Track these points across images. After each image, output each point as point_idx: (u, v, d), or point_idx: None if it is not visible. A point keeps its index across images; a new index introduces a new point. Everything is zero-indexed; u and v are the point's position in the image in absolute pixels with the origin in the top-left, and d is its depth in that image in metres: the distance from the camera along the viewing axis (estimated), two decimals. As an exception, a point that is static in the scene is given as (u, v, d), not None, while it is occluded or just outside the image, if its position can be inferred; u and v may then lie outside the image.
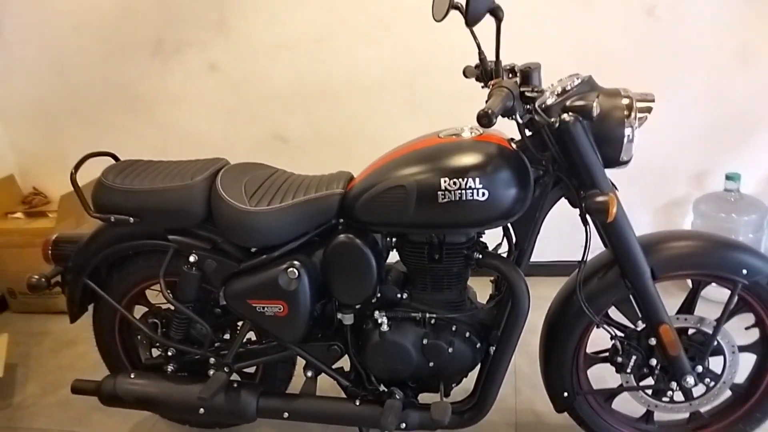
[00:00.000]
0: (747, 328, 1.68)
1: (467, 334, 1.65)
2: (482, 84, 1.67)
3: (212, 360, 1.76)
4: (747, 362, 1.71)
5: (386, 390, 1.70)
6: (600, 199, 1.35)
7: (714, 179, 2.58)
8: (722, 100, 2.52)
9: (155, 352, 1.90)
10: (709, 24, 2.43)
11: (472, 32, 1.46)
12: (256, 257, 1.65)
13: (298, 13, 2.63)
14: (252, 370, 1.90)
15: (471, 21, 1.33)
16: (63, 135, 2.99)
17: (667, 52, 2.48)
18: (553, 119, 1.40)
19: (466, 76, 1.75)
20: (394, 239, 1.65)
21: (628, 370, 1.66)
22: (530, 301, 1.58)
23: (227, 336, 1.89)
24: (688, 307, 1.67)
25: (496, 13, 1.45)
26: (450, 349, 1.62)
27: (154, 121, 2.91)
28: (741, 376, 1.71)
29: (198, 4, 2.67)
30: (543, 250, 1.99)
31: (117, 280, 1.84)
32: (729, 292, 1.58)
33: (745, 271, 1.55)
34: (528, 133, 1.49)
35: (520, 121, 1.37)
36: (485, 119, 1.19)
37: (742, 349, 1.68)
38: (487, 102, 1.30)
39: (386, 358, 1.65)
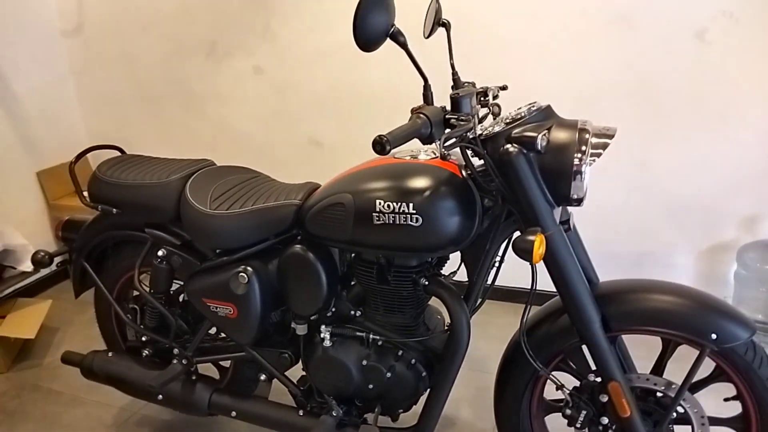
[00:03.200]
0: (726, 400, 1.49)
1: (413, 361, 1.60)
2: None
3: (176, 350, 1.84)
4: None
5: (326, 405, 1.69)
6: (526, 238, 1.25)
7: (766, 225, 2.29)
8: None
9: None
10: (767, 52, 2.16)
11: (409, 54, 1.39)
12: (216, 258, 1.71)
13: (337, 23, 2.67)
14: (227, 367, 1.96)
15: (365, 47, 1.29)
16: (130, 123, 3.26)
17: (718, 81, 2.24)
18: (495, 150, 1.33)
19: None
20: (351, 255, 1.64)
21: (578, 425, 1.52)
22: (470, 337, 1.51)
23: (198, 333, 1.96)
24: (658, 367, 1.51)
25: (445, 25, 1.40)
26: (388, 374, 1.58)
27: (206, 118, 3.08)
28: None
29: (247, 11, 2.80)
30: (522, 277, 1.89)
31: (112, 265, 1.98)
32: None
33: (714, 336, 1.37)
34: (478, 162, 1.42)
35: (442, 149, 1.30)
36: (378, 146, 1.16)
37: (720, 422, 1.49)
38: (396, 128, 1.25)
39: (326, 373, 1.64)
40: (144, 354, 1.92)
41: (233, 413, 1.76)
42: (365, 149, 2.79)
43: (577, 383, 1.54)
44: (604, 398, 1.47)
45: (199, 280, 1.71)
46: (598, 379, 1.48)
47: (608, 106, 2.41)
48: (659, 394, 1.48)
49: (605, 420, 1.49)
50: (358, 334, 1.62)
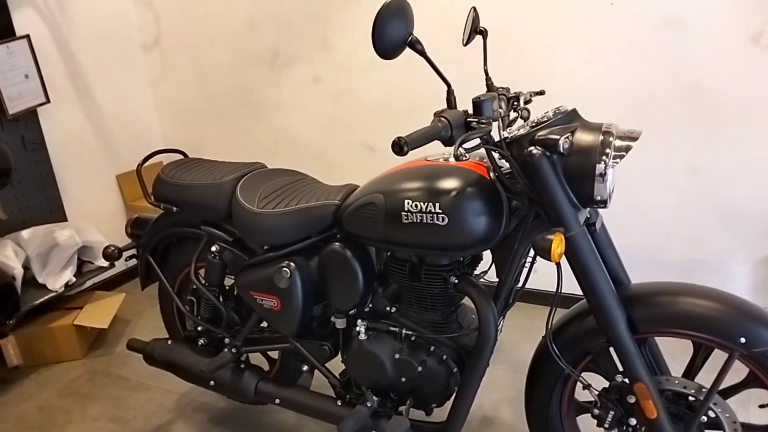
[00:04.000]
0: (761, 407, 1.46)
1: (444, 357, 1.65)
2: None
3: (227, 340, 1.98)
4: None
5: (363, 396, 1.77)
6: (545, 237, 1.29)
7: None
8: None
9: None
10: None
11: (428, 60, 1.45)
12: (263, 253, 1.83)
13: (390, 32, 2.77)
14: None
15: (385, 55, 1.34)
16: (201, 131, 3.48)
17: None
18: (520, 152, 1.37)
19: None
20: (387, 253, 1.72)
21: (606, 425, 1.53)
22: (497, 336, 1.55)
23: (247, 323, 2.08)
24: (689, 371, 1.50)
25: (482, 33, 1.46)
26: (420, 368, 1.64)
27: (268, 125, 3.25)
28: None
29: (307, 23, 2.94)
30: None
31: (174, 260, 2.15)
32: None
33: (743, 340, 1.35)
34: (506, 164, 1.47)
35: (462, 152, 1.36)
36: (396, 147, 1.23)
37: (752, 429, 1.46)
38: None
39: (362, 365, 1.72)
40: (200, 343, 2.07)
41: (277, 401, 1.87)
42: (414, 154, 2.88)
43: (607, 384, 1.55)
44: (632, 399, 1.47)
45: (247, 274, 1.83)
46: (626, 380, 1.49)
47: (660, 110, 2.37)
48: (690, 398, 1.47)
49: (633, 421, 1.49)
50: (391, 328, 1.69)
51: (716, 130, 2.31)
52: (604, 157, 1.33)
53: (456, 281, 1.59)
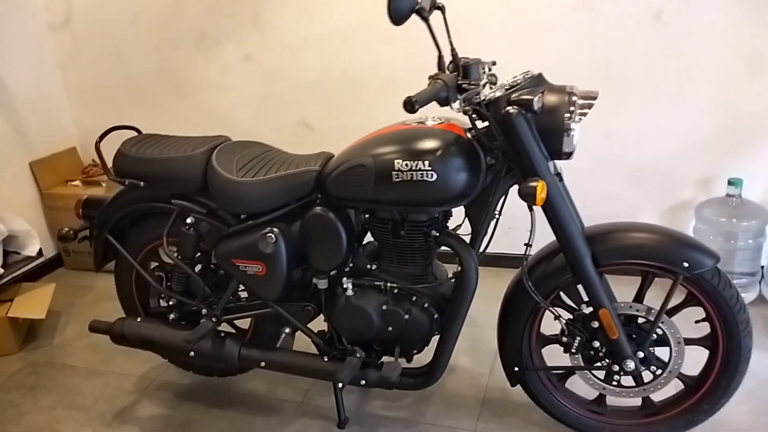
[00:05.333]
0: (696, 322, 1.75)
1: (425, 305, 1.81)
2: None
3: (204, 311, 2.00)
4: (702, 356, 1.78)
5: (349, 349, 1.89)
6: (530, 184, 1.47)
7: (719, 185, 2.59)
8: (730, 106, 2.53)
9: (162, 303, 2.17)
10: (719, 31, 2.45)
11: (429, 27, 1.59)
12: (242, 222, 1.87)
13: (324, 11, 2.85)
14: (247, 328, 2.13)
15: (397, 19, 1.46)
16: (119, 114, 3.33)
17: (674, 58, 2.52)
18: (498, 111, 1.54)
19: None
20: (366, 215, 1.83)
21: (573, 351, 1.76)
22: (478, 278, 1.72)
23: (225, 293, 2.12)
24: (638, 297, 1.76)
25: (423, 14, 1.57)
26: (407, 316, 1.78)
27: (197, 106, 3.21)
28: (695, 369, 1.78)
29: (236, 1, 2.94)
30: (515, 243, 2.12)
31: (134, 238, 2.12)
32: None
33: (686, 264, 1.62)
34: (482, 123, 1.63)
35: (455, 110, 1.51)
36: (408, 105, 1.36)
37: (692, 342, 1.75)
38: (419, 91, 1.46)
39: (350, 320, 1.83)
40: (170, 318, 2.07)
41: (262, 363, 1.93)
42: (353, 130, 2.97)
43: (570, 316, 1.78)
44: (595, 325, 1.71)
45: (227, 243, 1.87)
46: (589, 310, 1.73)
47: (578, 84, 2.65)
48: (640, 320, 1.73)
49: (596, 344, 1.73)
50: (376, 283, 1.81)
51: (625, 99, 2.64)
52: (570, 115, 1.54)
53: (437, 234, 1.74)
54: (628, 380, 1.78)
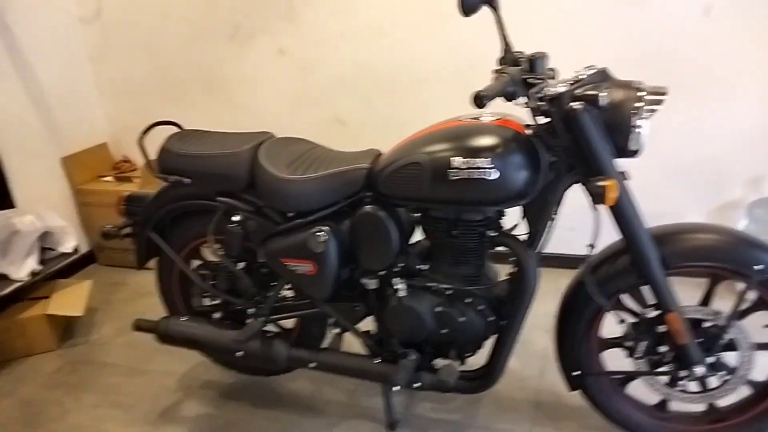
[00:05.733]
0: (766, 326, 1.68)
1: (480, 307, 1.75)
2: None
3: (251, 311, 1.96)
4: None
5: (403, 351, 1.84)
6: (599, 183, 1.41)
7: (773, 183, 2.50)
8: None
9: (206, 301, 2.13)
10: (770, 25, 2.36)
11: (499, 18, 1.54)
12: (290, 221, 1.83)
13: (360, 4, 2.79)
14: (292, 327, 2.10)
15: (467, 10, 1.41)
16: (150, 109, 3.32)
17: (724, 53, 2.43)
18: (562, 108, 1.48)
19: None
20: (417, 214, 1.78)
21: (638, 355, 1.70)
22: (537, 280, 1.67)
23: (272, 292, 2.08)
24: (705, 300, 1.69)
25: (493, 4, 1.52)
26: (461, 319, 1.73)
27: (229, 101, 3.17)
28: (761, 374, 1.72)
29: (271, -6, 2.90)
30: (573, 243, 2.05)
31: (177, 235, 2.08)
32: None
33: (759, 267, 1.55)
34: (543, 120, 1.57)
35: (522, 105, 1.45)
36: (477, 100, 1.30)
37: (763, 347, 1.68)
38: (487, 86, 1.41)
39: (402, 321, 1.78)
40: (215, 317, 2.03)
41: (312, 364, 1.89)
42: (388, 126, 2.96)
43: (632, 320, 1.71)
44: (662, 329, 1.64)
45: (275, 242, 1.82)
46: (655, 313, 1.66)
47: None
48: (707, 324, 1.66)
49: (662, 348, 1.67)
50: (429, 284, 1.76)
51: (672, 95, 2.53)
52: (638, 111, 1.47)
53: (494, 234, 1.68)
54: (693, 385, 1.72)
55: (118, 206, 2.13)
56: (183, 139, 1.94)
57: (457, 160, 1.55)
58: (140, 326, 2.08)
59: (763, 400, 1.73)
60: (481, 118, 1.64)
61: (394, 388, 1.74)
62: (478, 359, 1.84)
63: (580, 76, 1.52)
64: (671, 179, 2.68)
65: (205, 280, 2.04)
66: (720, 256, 1.58)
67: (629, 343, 1.70)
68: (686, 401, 1.76)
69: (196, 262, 2.14)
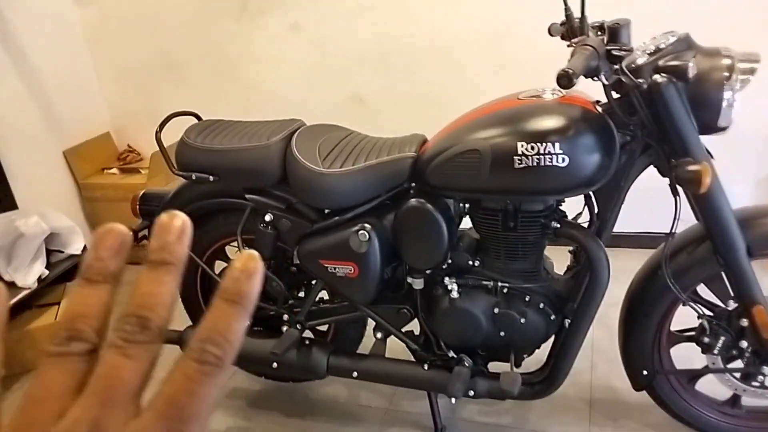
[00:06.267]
0: None
1: (541, 305, 1.60)
2: (567, 42, 1.57)
3: (285, 317, 1.80)
4: None
5: (455, 356, 1.69)
6: (692, 168, 1.25)
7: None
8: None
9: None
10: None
11: None
12: (329, 218, 1.66)
13: (379, -27, 2.58)
14: (324, 328, 1.94)
15: None
16: (155, 94, 3.12)
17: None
18: (642, 80, 1.30)
19: (551, 35, 1.65)
20: (466, 205, 1.61)
21: (715, 351, 1.55)
22: (610, 274, 1.50)
23: (302, 294, 1.93)
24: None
25: None
26: (522, 320, 1.58)
27: (239, 81, 2.97)
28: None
29: (281, -36, 2.68)
30: (630, 221, 1.89)
31: (198, 236, 1.91)
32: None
33: None
34: (615, 95, 1.40)
35: (605, 82, 1.28)
36: (565, 79, 1.12)
37: None
38: (569, 61, 1.23)
39: (455, 325, 1.63)
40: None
41: (354, 374, 1.74)
42: (411, 103, 2.76)
43: (708, 312, 1.56)
44: (744, 322, 1.49)
45: (313, 242, 1.66)
46: (734, 305, 1.51)
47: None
48: None
49: (744, 344, 1.52)
50: (484, 282, 1.60)
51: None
52: (731, 82, 1.30)
53: (558, 226, 1.52)
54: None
55: (133, 205, 1.95)
56: (204, 132, 1.76)
57: (523, 146, 1.37)
58: (168, 338, 1.91)
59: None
60: (543, 96, 1.46)
61: (452, 400, 1.59)
62: (531, 360, 1.70)
63: (661, 45, 1.34)
64: (717, 147, 2.50)
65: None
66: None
67: (707, 339, 1.55)
68: (761, 397, 1.62)
69: (219, 265, 1.97)
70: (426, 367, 1.70)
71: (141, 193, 1.95)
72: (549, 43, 2.50)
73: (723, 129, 1.35)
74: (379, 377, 1.74)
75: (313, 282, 1.87)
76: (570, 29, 1.52)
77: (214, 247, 1.92)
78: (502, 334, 1.61)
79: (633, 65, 1.32)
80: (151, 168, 2.97)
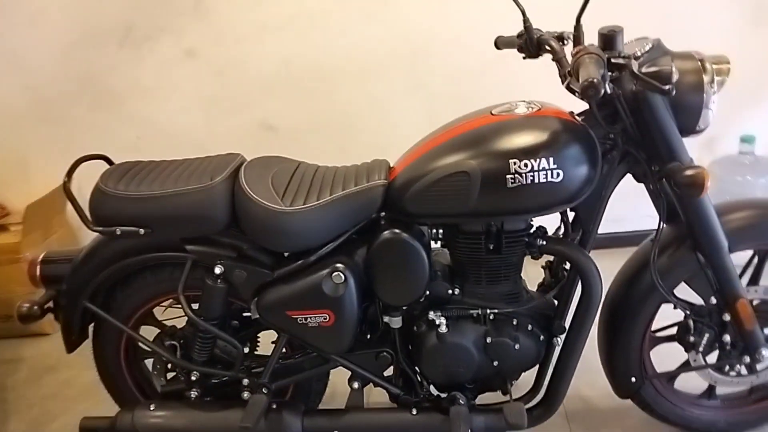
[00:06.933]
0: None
1: (529, 327, 1.51)
2: (524, 55, 1.51)
3: (245, 381, 1.56)
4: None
5: (441, 395, 1.56)
6: (692, 173, 1.23)
7: (727, 142, 2.51)
8: (734, 62, 2.43)
9: (171, 377, 1.69)
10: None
11: None
12: (289, 262, 1.47)
13: (284, -10, 2.41)
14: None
15: None
16: (23, 138, 2.68)
17: (670, 12, 2.38)
18: (622, 89, 1.28)
19: (498, 48, 1.59)
20: (440, 231, 1.49)
21: (701, 349, 1.56)
22: (602, 285, 1.46)
23: (245, 350, 1.69)
24: (754, 278, 1.59)
25: None
26: (516, 346, 1.48)
27: (126, 116, 2.64)
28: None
29: (169, -15, 2.42)
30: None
31: (121, 300, 1.61)
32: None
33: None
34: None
35: (608, 91, 1.22)
36: (591, 89, 1.06)
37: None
38: (570, 72, 1.17)
39: (446, 362, 1.50)
40: (192, 396, 1.60)
41: (335, 432, 1.54)
42: (326, 127, 2.61)
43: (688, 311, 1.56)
44: (726, 317, 1.51)
45: (276, 292, 1.45)
46: (714, 301, 1.52)
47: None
48: (756, 302, 1.54)
49: (727, 338, 1.54)
50: (471, 311, 1.49)
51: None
52: (709, 84, 1.31)
53: (544, 242, 1.44)
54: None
55: (31, 272, 1.61)
56: (125, 177, 1.48)
57: (516, 164, 1.28)
58: (90, 427, 1.60)
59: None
60: (517, 110, 1.39)
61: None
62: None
63: (637, 52, 1.31)
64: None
65: (174, 351, 1.60)
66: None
67: (692, 337, 1.55)
68: (733, 385, 1.66)
69: (148, 331, 1.68)
70: (414, 412, 1.54)
71: (41, 257, 1.61)
72: (467, 60, 2.49)
73: (701, 131, 1.36)
74: (364, 431, 1.56)
75: (259, 336, 1.66)
76: (529, 41, 1.45)
77: (141, 311, 1.63)
78: (495, 363, 1.50)
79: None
80: (25, 224, 2.53)
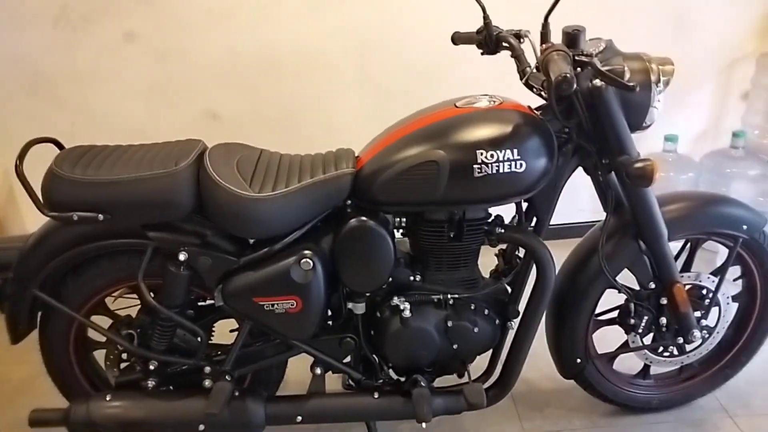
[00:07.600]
0: (735, 280, 1.77)
1: (486, 312, 1.58)
2: (482, 51, 1.58)
3: (207, 369, 1.55)
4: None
5: (401, 379, 1.61)
6: (642, 165, 1.32)
7: (652, 141, 2.68)
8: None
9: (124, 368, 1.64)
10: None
11: None
12: (255, 249, 1.46)
13: (232, -24, 2.37)
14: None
15: None
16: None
17: (601, 15, 2.52)
18: (587, 85, 1.37)
19: (455, 43, 1.65)
20: (403, 219, 1.54)
21: (640, 330, 1.68)
22: (556, 271, 1.55)
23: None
24: (688, 264, 1.72)
25: None
26: (475, 329, 1.55)
27: (62, 103, 2.51)
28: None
29: (109, -36, 2.32)
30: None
31: (72, 289, 1.55)
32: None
33: (745, 227, 1.61)
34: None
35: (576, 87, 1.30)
36: (565, 84, 1.12)
37: (735, 298, 1.77)
38: (538, 68, 1.24)
39: (409, 346, 1.54)
40: (150, 386, 1.57)
41: (298, 418, 1.55)
42: (274, 118, 2.59)
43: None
44: (663, 301, 1.64)
45: (242, 279, 1.45)
46: (652, 286, 1.65)
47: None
48: (688, 287, 1.68)
49: (663, 320, 1.67)
50: (432, 297, 1.54)
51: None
52: (658, 84, 1.42)
53: (502, 231, 1.52)
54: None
55: (-27, 261, 1.52)
56: (81, 161, 1.42)
57: (483, 155, 1.34)
58: (41, 419, 1.53)
59: (730, 349, 1.84)
60: (479, 104, 1.45)
61: (423, 425, 1.50)
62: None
63: (592, 51, 1.40)
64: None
65: (131, 340, 1.56)
66: (710, 221, 1.62)
67: (632, 320, 1.67)
68: (666, 364, 1.80)
69: (100, 321, 1.62)
70: (376, 396, 1.58)
71: (-19, 244, 1.53)
72: (416, 54, 2.54)
73: (647, 127, 1.47)
74: (327, 417, 1.58)
75: (215, 324, 1.64)
76: (488, 37, 1.52)
77: (94, 300, 1.58)
78: (455, 346, 1.56)
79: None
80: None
